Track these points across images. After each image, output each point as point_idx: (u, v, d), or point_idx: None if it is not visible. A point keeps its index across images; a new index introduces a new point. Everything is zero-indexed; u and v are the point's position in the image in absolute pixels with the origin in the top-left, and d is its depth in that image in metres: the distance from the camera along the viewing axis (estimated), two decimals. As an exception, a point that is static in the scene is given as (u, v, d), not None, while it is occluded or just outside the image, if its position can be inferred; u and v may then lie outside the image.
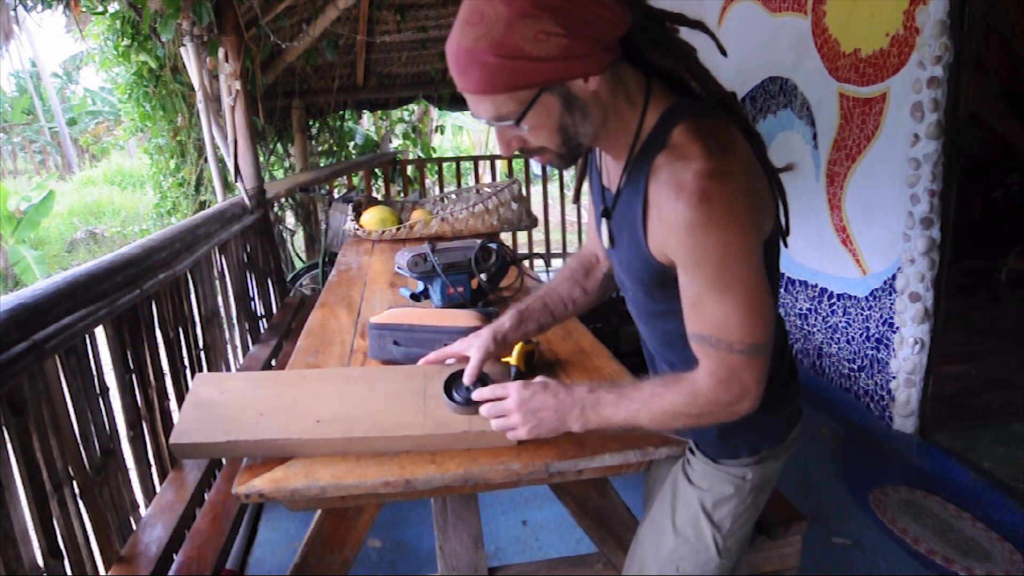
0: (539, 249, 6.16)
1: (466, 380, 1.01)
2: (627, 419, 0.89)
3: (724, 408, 0.84)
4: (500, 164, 6.10)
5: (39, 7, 3.67)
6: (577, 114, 0.81)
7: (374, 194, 5.54)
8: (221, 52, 3.02)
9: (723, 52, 0.88)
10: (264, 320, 3.15)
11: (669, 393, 0.86)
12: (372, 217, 2.63)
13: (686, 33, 0.88)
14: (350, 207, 2.73)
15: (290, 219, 5.39)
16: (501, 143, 0.85)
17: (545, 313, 1.16)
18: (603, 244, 0.99)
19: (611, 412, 0.89)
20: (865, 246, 2.62)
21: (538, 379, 0.97)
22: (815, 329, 2.96)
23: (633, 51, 0.84)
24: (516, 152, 0.87)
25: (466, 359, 1.07)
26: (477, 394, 0.98)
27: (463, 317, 1.34)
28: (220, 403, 1.03)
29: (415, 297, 1.71)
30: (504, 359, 1.25)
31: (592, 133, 0.84)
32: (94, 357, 1.48)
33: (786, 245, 0.94)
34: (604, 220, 0.96)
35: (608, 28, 0.77)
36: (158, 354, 1.82)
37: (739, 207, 0.77)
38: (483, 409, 0.97)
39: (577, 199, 1.23)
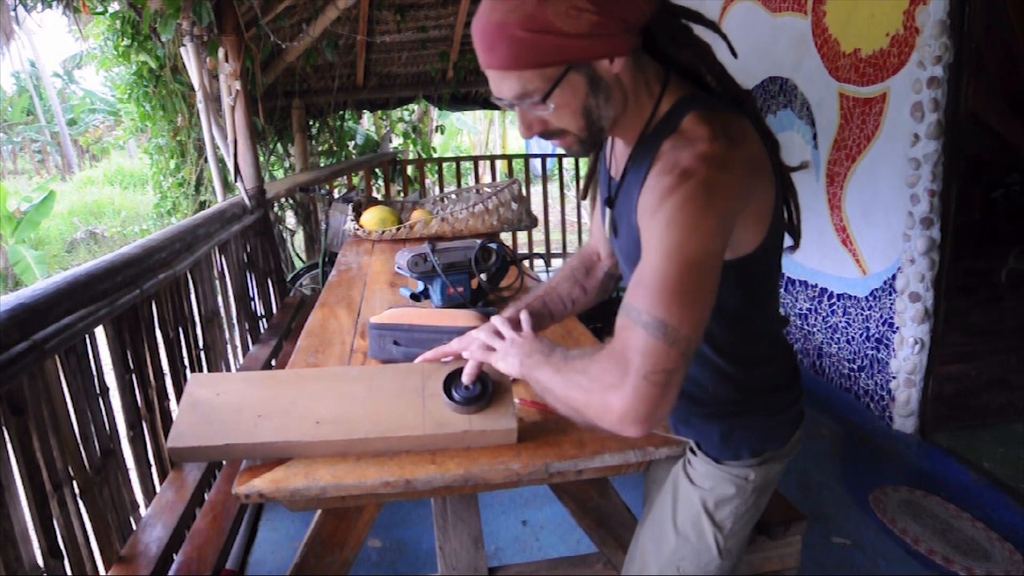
0: (539, 249, 6.16)
1: (465, 379, 1.01)
2: (549, 378, 0.83)
3: (600, 391, 0.75)
4: (500, 164, 6.10)
5: (39, 7, 3.67)
6: (601, 96, 0.81)
7: (374, 194, 5.54)
8: (221, 52, 3.02)
9: (734, 53, 0.89)
10: (264, 320, 3.15)
11: (579, 361, 0.81)
12: (372, 217, 2.63)
13: (697, 31, 0.89)
14: (350, 207, 2.73)
15: (290, 219, 5.39)
16: (523, 124, 0.83)
17: (544, 312, 1.15)
18: (606, 234, 0.98)
19: (544, 365, 0.85)
20: (865, 246, 2.62)
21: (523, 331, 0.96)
22: (815, 329, 2.96)
23: (651, 43, 0.85)
24: (537, 134, 0.85)
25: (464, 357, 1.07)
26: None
27: (463, 317, 1.34)
28: (217, 405, 1.02)
29: (415, 297, 1.71)
30: None
31: (613, 118, 0.84)
32: (94, 357, 1.48)
33: (796, 246, 0.94)
34: (608, 209, 0.96)
35: (635, 11, 0.78)
36: (158, 354, 1.82)
37: (713, 193, 0.74)
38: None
39: (585, 196, 1.24)
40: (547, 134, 0.84)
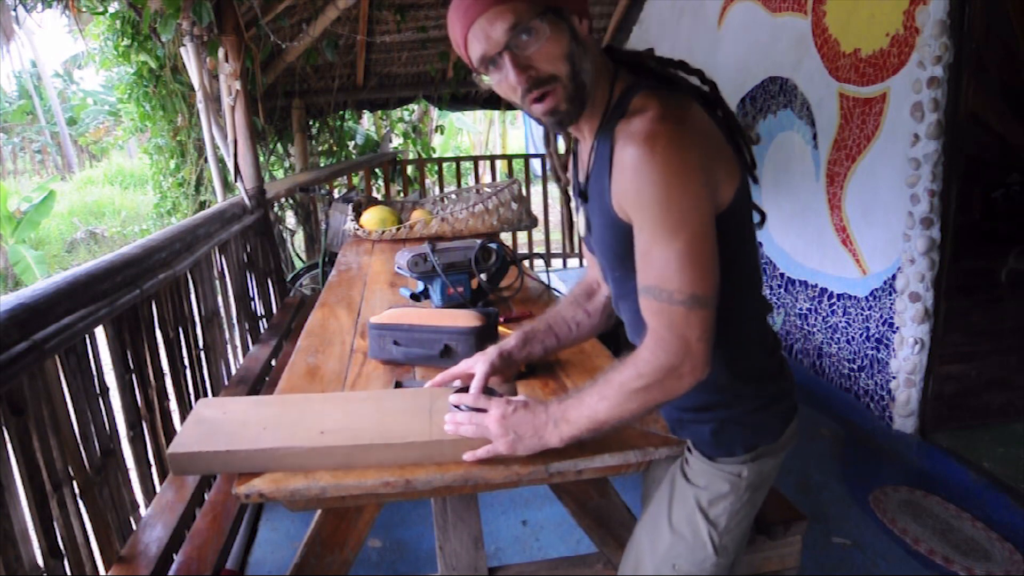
0: (539, 249, 6.16)
1: (473, 391, 1.02)
2: (591, 416, 0.89)
3: (668, 373, 0.83)
4: (500, 164, 6.10)
5: (39, 7, 3.67)
6: (581, 48, 0.86)
7: (374, 194, 5.54)
8: (221, 52, 3.02)
9: (717, 92, 0.94)
10: (264, 320, 3.15)
11: (616, 373, 0.87)
12: (372, 217, 2.63)
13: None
14: (350, 207, 2.73)
15: (290, 219, 5.39)
16: (516, 70, 0.84)
17: (550, 335, 1.17)
18: (580, 233, 1.02)
19: (576, 414, 0.90)
20: (865, 246, 2.62)
21: (520, 398, 0.98)
22: (815, 329, 2.96)
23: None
24: (528, 84, 0.85)
25: (472, 377, 1.08)
26: (455, 398, 1.00)
27: (463, 317, 1.34)
28: (222, 420, 1.02)
29: (415, 297, 1.71)
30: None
31: (591, 76, 0.88)
32: (94, 357, 1.48)
33: (760, 226, 0.97)
34: (582, 207, 1.00)
35: None
36: (158, 354, 1.82)
37: (685, 151, 0.80)
38: (461, 418, 0.97)
39: (558, 179, 1.24)
40: (538, 82, 0.85)
